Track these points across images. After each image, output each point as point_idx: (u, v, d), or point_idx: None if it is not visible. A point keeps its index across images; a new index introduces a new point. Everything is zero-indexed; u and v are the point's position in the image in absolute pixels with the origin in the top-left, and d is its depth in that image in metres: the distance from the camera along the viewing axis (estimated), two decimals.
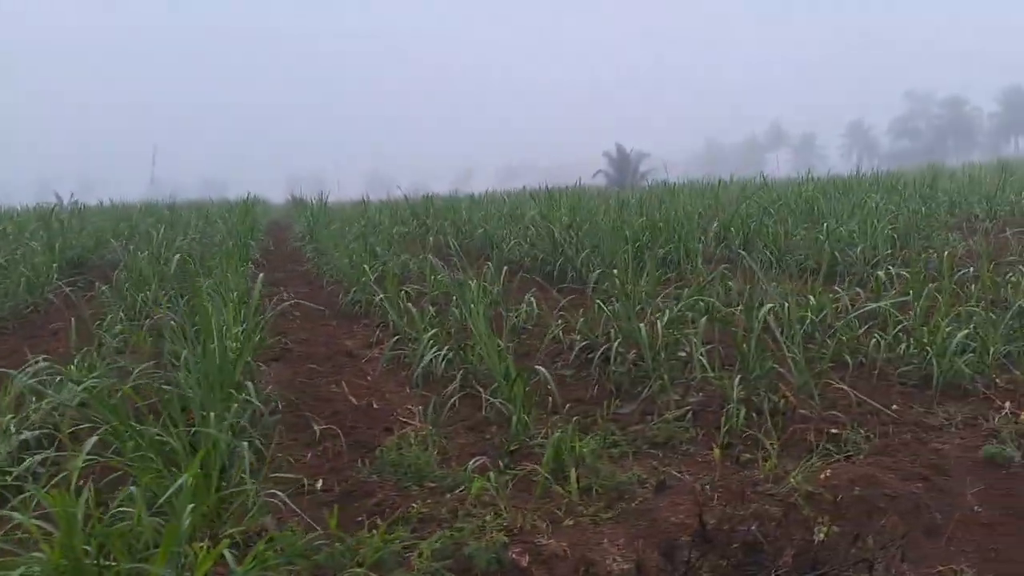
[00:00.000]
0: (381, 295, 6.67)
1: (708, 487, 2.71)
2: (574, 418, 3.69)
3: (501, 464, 3.49)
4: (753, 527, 2.35)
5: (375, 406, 4.63)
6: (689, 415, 4.02)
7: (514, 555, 2.27)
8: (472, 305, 4.53)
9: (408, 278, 8.16)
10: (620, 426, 4.03)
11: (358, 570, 2.13)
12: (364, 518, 3.06)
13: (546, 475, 2.99)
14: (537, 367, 3.92)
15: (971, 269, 6.00)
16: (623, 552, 2.31)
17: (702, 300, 5.17)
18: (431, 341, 5.12)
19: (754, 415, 3.78)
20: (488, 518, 2.59)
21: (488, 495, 2.73)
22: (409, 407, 4.61)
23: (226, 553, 2.22)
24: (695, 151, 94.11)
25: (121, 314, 6.82)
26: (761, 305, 4.07)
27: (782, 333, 3.97)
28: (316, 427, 4.23)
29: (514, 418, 3.70)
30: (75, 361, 5.29)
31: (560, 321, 5.79)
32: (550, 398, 4.32)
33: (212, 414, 3.20)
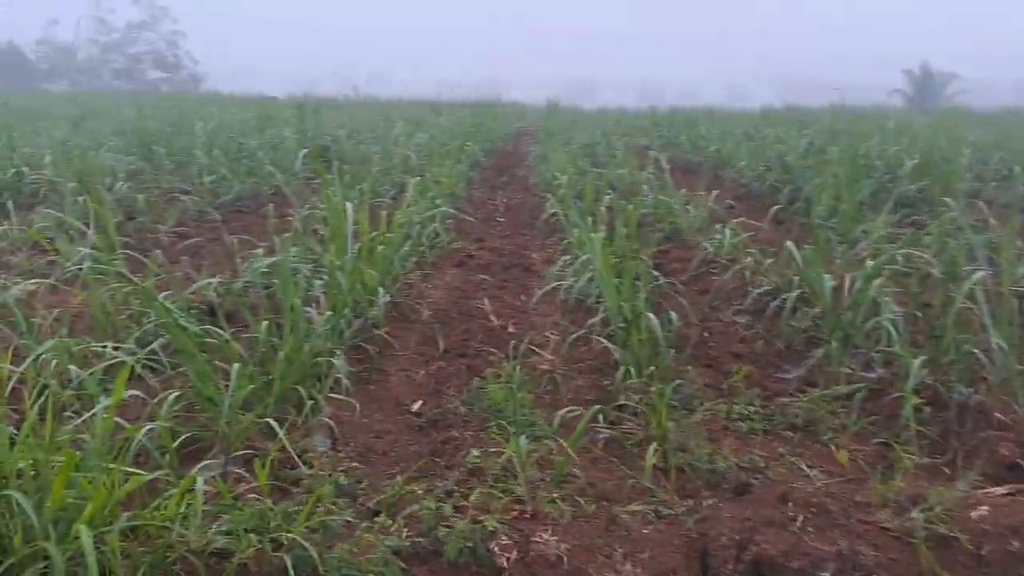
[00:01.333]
0: (557, 209, 6.28)
1: (794, 502, 2.07)
2: (675, 382, 3.07)
3: (601, 419, 3.05)
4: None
5: (511, 329, 4.32)
6: (860, 395, 3.25)
7: (496, 548, 1.87)
8: (582, 223, 3.99)
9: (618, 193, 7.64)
10: (766, 395, 3.38)
11: (289, 533, 1.86)
12: (428, 459, 2.80)
13: (570, 448, 2.50)
14: (651, 316, 3.33)
15: None
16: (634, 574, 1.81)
17: (916, 254, 4.17)
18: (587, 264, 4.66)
19: (932, 410, 2.96)
20: (505, 491, 2.19)
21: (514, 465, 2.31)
22: (548, 335, 4.26)
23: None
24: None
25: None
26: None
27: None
28: (441, 343, 4.04)
29: (622, 369, 3.20)
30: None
31: (750, 259, 5.05)
32: (692, 349, 3.75)
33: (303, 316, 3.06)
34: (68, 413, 2.54)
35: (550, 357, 3.94)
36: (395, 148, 9.77)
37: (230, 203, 8.02)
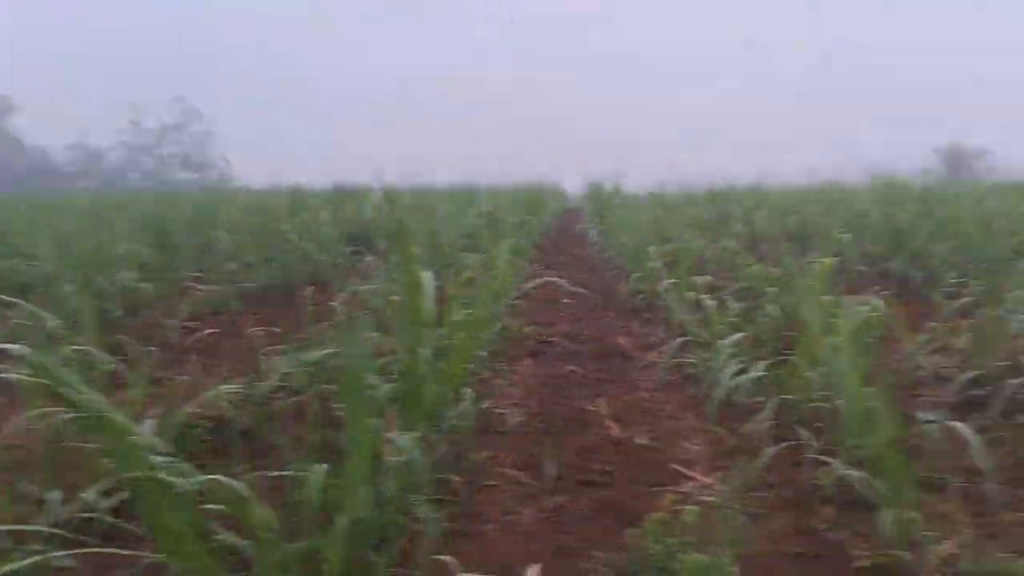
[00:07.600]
0: (664, 283, 5.18)
1: None
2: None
3: None
4: None
5: (644, 442, 3.15)
6: None
7: None
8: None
9: (703, 268, 6.53)
10: None
11: None
12: None
13: None
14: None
15: None
16: None
17: None
18: (732, 351, 3.53)
19: None
20: None
21: None
22: (695, 446, 3.09)
23: None
24: None
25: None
26: None
27: None
28: (550, 469, 2.85)
29: (890, 513, 2.01)
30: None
31: (927, 337, 3.90)
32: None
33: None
34: None
35: (708, 480, 2.77)
36: (444, 228, 8.73)
37: (256, 291, 6.99)
